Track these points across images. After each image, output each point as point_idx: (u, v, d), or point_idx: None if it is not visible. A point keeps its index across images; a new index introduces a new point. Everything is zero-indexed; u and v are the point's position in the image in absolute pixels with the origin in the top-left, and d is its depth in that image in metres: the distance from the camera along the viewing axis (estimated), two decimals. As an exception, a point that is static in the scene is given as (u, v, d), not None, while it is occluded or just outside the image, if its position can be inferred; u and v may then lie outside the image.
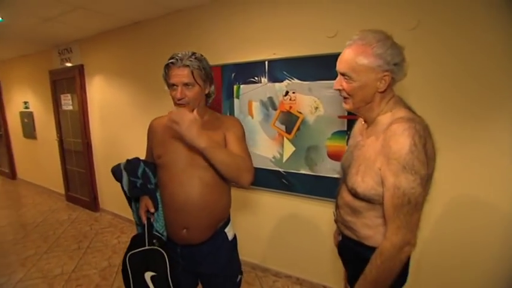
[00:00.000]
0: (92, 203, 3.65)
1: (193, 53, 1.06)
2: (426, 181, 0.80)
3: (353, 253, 1.01)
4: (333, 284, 1.97)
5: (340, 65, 0.89)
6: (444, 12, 1.42)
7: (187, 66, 1.02)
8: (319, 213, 1.93)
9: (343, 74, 0.89)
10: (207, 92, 1.13)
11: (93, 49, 3.21)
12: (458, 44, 1.41)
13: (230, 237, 1.21)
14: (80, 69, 3.39)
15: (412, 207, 0.78)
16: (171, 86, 1.05)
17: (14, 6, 2.23)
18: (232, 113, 2.19)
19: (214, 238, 1.14)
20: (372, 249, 0.90)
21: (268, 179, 2.09)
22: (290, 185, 2.00)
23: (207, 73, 1.08)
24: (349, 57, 0.86)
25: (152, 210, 1.11)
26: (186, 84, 1.03)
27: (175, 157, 1.08)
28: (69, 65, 3.54)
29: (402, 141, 0.77)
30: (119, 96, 3.07)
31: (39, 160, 4.57)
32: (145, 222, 1.11)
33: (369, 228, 0.92)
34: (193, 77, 1.03)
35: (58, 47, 3.62)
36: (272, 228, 2.20)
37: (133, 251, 1.09)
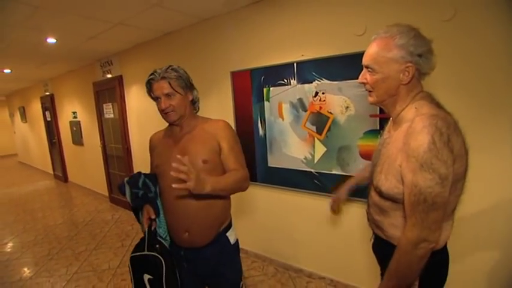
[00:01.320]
0: (132, 203, 3.92)
1: (170, 66, 1.14)
2: (453, 180, 0.78)
3: (384, 252, 1.00)
4: (368, 287, 1.92)
5: (365, 59, 0.91)
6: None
7: (165, 78, 1.11)
8: (353, 214, 1.89)
9: (367, 67, 0.90)
10: (190, 98, 1.20)
11: (131, 60, 3.47)
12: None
13: (232, 241, 1.24)
14: (119, 80, 3.68)
15: (429, 206, 0.76)
16: (156, 99, 1.15)
17: (65, 29, 2.51)
18: (262, 115, 2.23)
19: (216, 241, 1.19)
20: None
21: (300, 180, 2.10)
22: (322, 186, 1.99)
23: (185, 81, 1.15)
24: (373, 50, 0.87)
25: (153, 216, 1.18)
26: (167, 95, 1.11)
27: (170, 164, 1.13)
28: (109, 76, 3.86)
29: (421, 138, 0.76)
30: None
31: (86, 165, 5.03)
32: (146, 228, 1.18)
33: (396, 228, 0.91)
34: (172, 86, 1.11)
35: (100, 60, 3.96)
36: (305, 229, 2.20)
37: (134, 254, 1.18)
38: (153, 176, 1.24)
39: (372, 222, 1.04)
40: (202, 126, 1.20)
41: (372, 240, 1.10)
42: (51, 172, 6.48)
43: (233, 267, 1.26)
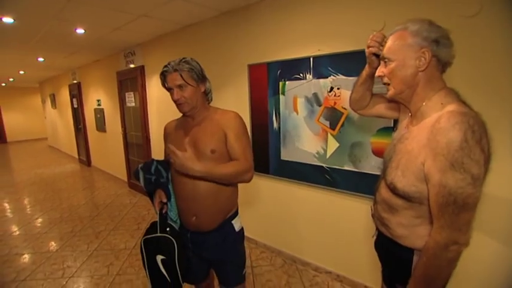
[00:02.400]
0: (149, 189, 4.10)
1: (183, 58, 1.18)
2: (481, 181, 0.73)
3: (388, 251, 0.99)
4: (375, 285, 1.92)
5: (383, 53, 0.91)
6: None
7: (177, 70, 1.15)
8: (362, 210, 1.89)
9: (383, 59, 0.90)
10: (202, 90, 1.23)
11: (152, 51, 3.59)
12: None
13: (237, 228, 1.30)
14: (141, 70, 3.81)
15: (459, 207, 0.72)
16: (169, 90, 1.19)
17: (93, 20, 2.64)
18: (277, 109, 2.25)
19: (221, 228, 1.25)
20: (406, 250, 0.89)
21: (312, 174, 2.11)
22: (333, 181, 2.00)
23: (197, 73, 1.19)
24: (389, 43, 0.88)
25: (164, 200, 1.25)
26: (179, 86, 1.16)
27: (182, 151, 1.21)
28: (132, 66, 4.01)
29: (452, 135, 0.71)
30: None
31: (108, 150, 5.29)
32: (158, 212, 1.25)
33: (404, 228, 0.89)
34: (183, 78, 1.15)
35: (124, 50, 4.11)
36: (314, 223, 2.22)
37: (146, 236, 1.25)
38: (165, 163, 1.31)
39: (377, 219, 1.01)
40: (213, 117, 1.24)
41: (375, 237, 1.09)
42: (76, 156, 6.87)
43: (236, 253, 1.31)
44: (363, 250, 1.93)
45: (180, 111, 1.24)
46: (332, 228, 2.11)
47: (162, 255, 1.21)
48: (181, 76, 1.15)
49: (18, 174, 5.82)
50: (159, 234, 1.23)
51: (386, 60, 0.89)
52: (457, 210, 0.73)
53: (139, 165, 1.32)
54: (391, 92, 0.90)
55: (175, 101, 1.20)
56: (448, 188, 0.73)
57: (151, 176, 1.28)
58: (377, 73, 0.93)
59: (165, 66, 1.18)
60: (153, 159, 1.33)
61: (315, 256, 2.26)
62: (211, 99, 1.31)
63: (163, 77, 1.19)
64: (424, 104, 0.86)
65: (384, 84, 0.92)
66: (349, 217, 1.99)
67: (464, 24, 1.35)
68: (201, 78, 1.22)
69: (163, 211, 1.28)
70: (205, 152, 1.18)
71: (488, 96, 1.34)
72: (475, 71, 1.36)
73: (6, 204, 4.05)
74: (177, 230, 1.28)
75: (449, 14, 1.38)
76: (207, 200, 1.20)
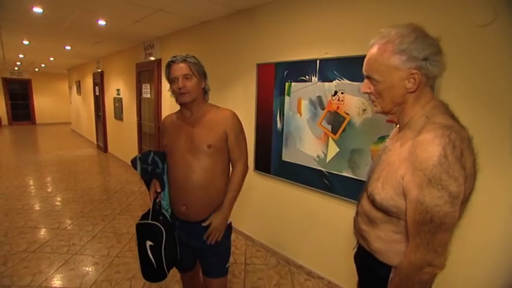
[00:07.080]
0: (157, 179, 4.22)
1: (187, 54, 1.26)
2: (460, 200, 0.69)
3: (365, 265, 0.96)
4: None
5: (365, 67, 0.84)
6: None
7: (185, 61, 1.23)
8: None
9: (368, 77, 0.84)
10: (203, 85, 1.29)
11: (170, 45, 3.69)
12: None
13: None
14: (158, 63, 3.93)
15: (436, 226, 0.69)
16: (173, 80, 1.23)
17: (113, 12, 2.77)
18: (282, 109, 2.25)
19: (209, 219, 1.30)
20: (383, 266, 0.86)
21: (311, 177, 2.10)
22: (331, 186, 1.97)
23: (201, 68, 1.27)
24: (371, 58, 0.81)
25: (159, 190, 1.30)
26: (185, 76, 1.22)
27: (178, 145, 1.28)
28: (152, 58, 4.13)
29: (431, 150, 0.68)
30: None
31: (123, 139, 5.50)
32: (152, 200, 1.30)
33: (382, 242, 0.85)
34: (190, 69, 1.22)
35: (144, 43, 4.26)
36: (310, 227, 2.21)
37: (139, 222, 1.30)
38: (162, 154, 1.35)
39: (357, 231, 0.99)
40: (211, 114, 1.29)
41: (355, 249, 1.06)
42: (95, 142, 7.19)
43: (222, 245, 1.34)
44: (355, 259, 1.89)
45: (181, 101, 1.26)
46: (328, 234, 2.08)
47: (151, 241, 1.26)
48: (189, 67, 1.22)
49: (42, 154, 6.20)
50: (150, 221, 1.28)
51: (372, 79, 0.83)
52: (433, 230, 0.69)
53: (137, 155, 1.38)
54: (378, 109, 0.87)
55: (178, 89, 1.22)
56: (425, 206, 0.69)
57: (147, 166, 1.32)
58: (362, 89, 0.87)
59: (172, 57, 1.24)
60: (150, 150, 1.38)
61: (309, 260, 2.25)
62: (208, 99, 1.36)
63: (169, 67, 1.24)
64: (411, 119, 0.83)
65: (371, 100, 0.88)
66: (345, 224, 1.96)
67: (475, 33, 1.29)
68: (203, 74, 1.29)
69: (157, 200, 1.33)
70: (202, 147, 1.23)
71: (497, 107, 1.28)
72: (484, 82, 1.30)
73: (28, 181, 4.33)
74: (169, 221, 1.32)
75: (460, 23, 1.33)
76: (198, 191, 1.24)
